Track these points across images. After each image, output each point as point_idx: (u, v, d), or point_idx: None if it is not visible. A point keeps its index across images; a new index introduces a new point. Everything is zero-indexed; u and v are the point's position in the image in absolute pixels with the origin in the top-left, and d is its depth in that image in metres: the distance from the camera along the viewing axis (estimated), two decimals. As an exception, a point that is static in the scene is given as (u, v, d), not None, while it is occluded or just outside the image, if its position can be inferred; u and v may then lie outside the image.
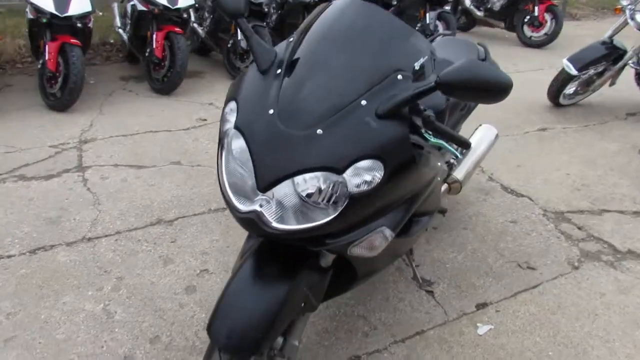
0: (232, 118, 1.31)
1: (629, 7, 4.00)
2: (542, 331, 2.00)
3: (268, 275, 1.36)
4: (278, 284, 1.34)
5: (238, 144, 1.26)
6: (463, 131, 2.90)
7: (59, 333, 1.91)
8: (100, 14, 4.57)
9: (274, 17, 5.62)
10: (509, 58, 6.17)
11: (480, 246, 2.52)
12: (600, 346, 1.94)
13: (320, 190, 1.20)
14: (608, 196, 3.06)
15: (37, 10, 4.01)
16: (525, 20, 6.73)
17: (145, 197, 2.85)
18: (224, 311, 1.30)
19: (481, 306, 2.13)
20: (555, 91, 4.32)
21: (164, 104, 4.36)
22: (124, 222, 2.62)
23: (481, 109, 4.42)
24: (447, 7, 6.22)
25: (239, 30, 4.84)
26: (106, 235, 2.50)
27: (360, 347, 1.90)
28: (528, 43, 6.77)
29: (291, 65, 1.32)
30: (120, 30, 5.11)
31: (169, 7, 4.36)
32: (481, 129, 2.74)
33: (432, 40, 2.59)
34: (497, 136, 2.73)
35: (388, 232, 1.36)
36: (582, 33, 7.39)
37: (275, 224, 1.21)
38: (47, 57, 4.01)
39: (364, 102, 1.23)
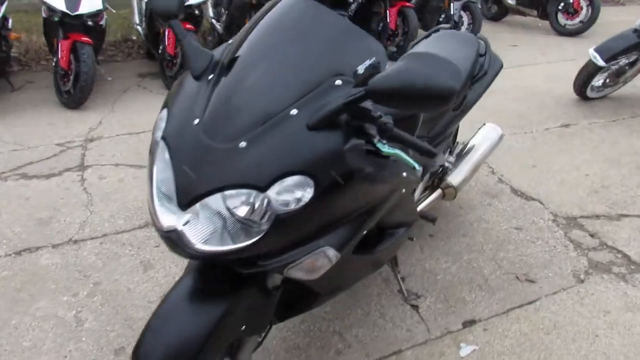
0: (162, 127, 1.22)
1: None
2: (532, 354, 1.83)
3: (204, 294, 1.27)
4: (214, 304, 1.25)
5: (164, 156, 1.17)
6: (466, 129, 2.73)
7: (26, 340, 1.89)
8: (114, 11, 4.59)
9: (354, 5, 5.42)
10: (539, 48, 5.85)
11: (478, 256, 2.35)
12: (597, 373, 1.76)
13: (245, 210, 1.09)
14: (629, 199, 2.82)
15: (50, 8, 4.05)
16: (560, 7, 6.37)
17: (138, 199, 2.82)
18: (152, 332, 1.22)
19: (468, 323, 1.98)
20: (581, 83, 4.03)
21: (174, 101, 4.34)
22: (112, 224, 2.59)
23: (499, 102, 4.19)
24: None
25: None
26: (92, 238, 2.48)
27: (330, 366, 1.80)
28: (562, 31, 6.40)
29: (225, 71, 1.22)
30: (139, 27, 5.13)
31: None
32: (484, 129, 2.56)
33: (429, 34, 2.41)
34: (501, 137, 2.55)
35: (332, 253, 1.24)
36: (624, 19, 6.90)
37: (197, 245, 1.11)
38: (59, 55, 4.05)
39: (294, 112, 1.12)
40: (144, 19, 4.97)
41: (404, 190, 1.47)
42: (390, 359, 1.82)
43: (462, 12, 5.73)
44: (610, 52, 3.74)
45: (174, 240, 1.12)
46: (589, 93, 4.10)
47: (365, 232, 1.38)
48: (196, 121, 1.15)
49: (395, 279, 2.12)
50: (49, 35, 4.40)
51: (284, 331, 1.93)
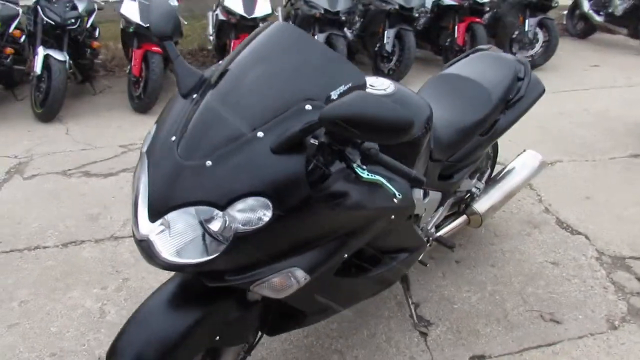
0: (148, 141, 1.30)
1: None
2: (539, 400, 1.72)
3: (181, 302, 1.33)
4: (188, 311, 1.30)
5: (144, 169, 1.25)
6: (507, 154, 2.61)
7: (54, 326, 2.06)
8: (185, 23, 4.88)
9: (357, 25, 5.56)
10: (623, 69, 5.44)
11: (503, 288, 2.24)
12: None
13: (206, 226, 1.14)
14: (693, 243, 2.55)
15: (127, 20, 4.39)
16: (652, 26, 5.87)
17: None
18: (126, 334, 1.29)
19: (476, 359, 1.88)
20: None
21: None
22: (151, 224, 2.75)
23: (563, 126, 3.93)
24: (550, 13, 5.63)
25: (385, 34, 4.91)
26: (131, 236, 2.64)
27: (324, 385, 1.79)
28: (653, 52, 5.89)
29: (208, 91, 1.27)
30: (211, 37, 5.41)
31: (246, 17, 4.51)
32: (523, 155, 2.45)
33: (467, 55, 2.34)
34: (542, 164, 2.41)
35: (300, 274, 1.25)
36: None
37: (163, 256, 1.17)
38: (132, 63, 4.37)
39: (260, 134, 1.15)
40: (213, 30, 5.25)
41: (392, 217, 1.44)
42: (386, 385, 1.79)
43: (538, 29, 5.46)
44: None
45: (145, 249, 1.19)
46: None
47: (345, 256, 1.38)
48: (173, 138, 1.21)
49: (407, 303, 2.07)
50: (126, 45, 4.77)
51: (285, 344, 1.95)
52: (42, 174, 3.35)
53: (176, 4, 4.57)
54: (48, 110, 4.16)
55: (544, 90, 2.27)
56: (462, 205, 2.28)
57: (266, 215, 1.12)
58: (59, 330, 2.04)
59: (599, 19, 6.52)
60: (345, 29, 5.23)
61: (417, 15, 5.10)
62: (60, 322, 2.08)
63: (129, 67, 4.49)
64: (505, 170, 2.39)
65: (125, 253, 2.51)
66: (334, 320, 2.05)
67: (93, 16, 4.69)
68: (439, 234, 2.14)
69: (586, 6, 6.62)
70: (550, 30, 5.37)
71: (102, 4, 4.81)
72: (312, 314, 1.56)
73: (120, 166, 3.45)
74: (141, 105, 4.40)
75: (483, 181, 2.31)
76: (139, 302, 2.18)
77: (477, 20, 5.24)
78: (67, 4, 4.37)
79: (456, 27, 5.20)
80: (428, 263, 2.02)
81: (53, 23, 4.21)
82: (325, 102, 1.18)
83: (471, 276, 2.31)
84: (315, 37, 4.81)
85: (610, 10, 6.38)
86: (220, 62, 1.37)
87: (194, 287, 1.35)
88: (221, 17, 4.78)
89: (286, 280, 1.25)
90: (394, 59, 5.00)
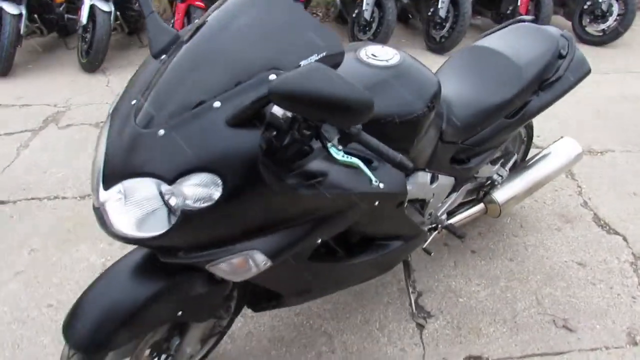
0: (115, 102, 1.23)
1: None
2: (532, 413, 1.58)
3: (146, 271, 1.28)
4: (150, 282, 1.25)
5: (105, 132, 1.18)
6: (543, 136, 2.38)
7: (57, 277, 2.11)
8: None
9: None
10: None
11: (517, 286, 2.07)
12: None
13: (154, 200, 1.07)
14: None
15: None
16: None
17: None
18: (87, 299, 1.26)
19: (471, 359, 1.76)
20: None
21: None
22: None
23: (623, 112, 3.55)
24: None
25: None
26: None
27: (306, 367, 1.73)
28: None
29: (176, 53, 1.18)
30: None
31: None
32: (559, 143, 2.22)
33: (506, 26, 2.11)
34: (578, 155, 2.18)
35: (260, 258, 1.17)
36: None
37: (114, 226, 1.11)
38: (175, 17, 4.34)
39: (217, 104, 1.04)
40: None
41: (376, 204, 1.32)
42: (368, 376, 1.70)
43: (614, 1, 4.93)
44: None
45: (99, 217, 1.14)
46: None
47: (319, 241, 1.28)
48: (133, 102, 1.14)
49: (407, 292, 1.96)
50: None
51: (275, 320, 1.90)
52: (75, 124, 3.42)
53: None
54: (91, 60, 4.23)
55: (589, 71, 2.02)
56: (482, 192, 2.10)
57: (216, 193, 1.03)
58: (60, 282, 2.09)
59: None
60: None
61: None
62: (62, 274, 2.13)
63: (172, 21, 4.46)
64: (536, 158, 2.17)
65: (138, 210, 2.52)
66: (330, 300, 1.98)
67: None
68: (451, 221, 1.99)
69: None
70: (626, 1, 4.83)
71: (152, -45, 4.77)
72: (289, 296, 1.49)
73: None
74: None
75: (507, 168, 2.11)
76: (140, 261, 2.21)
77: (545, -13, 4.79)
78: (115, -46, 4.36)
79: (520, -5, 4.79)
80: (433, 252, 1.89)
81: (100, -27, 4.22)
82: None
83: (485, 269, 2.15)
84: None
85: None
86: (197, 21, 1.27)
87: (158, 259, 1.30)
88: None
89: (244, 263, 1.17)
90: (447, 25, 4.68)
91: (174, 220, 1.07)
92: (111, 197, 1.11)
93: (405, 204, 1.60)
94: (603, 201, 2.60)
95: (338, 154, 1.15)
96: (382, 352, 1.79)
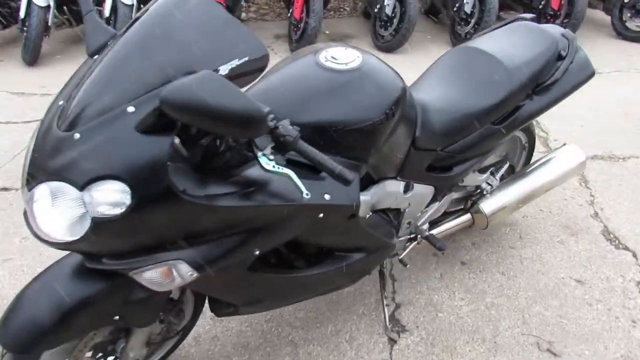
0: (51, 100, 1.21)
1: None
2: None
3: (85, 272, 1.26)
4: (88, 283, 1.23)
5: (36, 131, 1.16)
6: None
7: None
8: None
9: None
10: None
11: (505, 302, 1.94)
12: None
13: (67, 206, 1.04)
14: None
15: None
16: None
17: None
18: (27, 295, 1.25)
19: (440, 380, 1.66)
20: None
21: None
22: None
23: (625, 111, 3.27)
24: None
25: None
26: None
27: (266, 377, 1.68)
28: None
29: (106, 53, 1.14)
30: None
31: None
32: (560, 151, 2.06)
33: (505, 24, 1.97)
34: (582, 164, 2.02)
35: (184, 269, 1.13)
36: None
37: (37, 228, 1.09)
38: (294, 7, 4.46)
39: (131, 109, 1.00)
40: None
41: (321, 215, 1.25)
42: (328, 391, 1.64)
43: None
44: None
45: (25, 218, 1.12)
46: None
47: (257, 252, 1.22)
48: (60, 102, 1.11)
49: (381, 304, 1.87)
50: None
51: (244, 325, 1.86)
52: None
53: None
54: (30, 54, 4.31)
55: (592, 74, 1.86)
56: (470, 202, 1.98)
57: (125, 201, 0.99)
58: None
59: None
60: None
61: None
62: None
63: (290, 11, 4.56)
64: (533, 166, 2.02)
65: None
66: (303, 307, 1.92)
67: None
68: (434, 231, 1.88)
69: None
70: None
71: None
72: (240, 305, 1.44)
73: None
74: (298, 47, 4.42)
75: (498, 176, 1.97)
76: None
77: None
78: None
79: (553, -11, 4.52)
80: (408, 263, 1.79)
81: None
82: None
83: (472, 282, 2.03)
84: None
85: None
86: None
87: None
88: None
89: (169, 272, 1.13)
90: (472, 21, 4.47)
91: (84, 228, 1.04)
92: (33, 198, 1.10)
93: (369, 214, 1.52)
94: (617, 212, 2.41)
95: (269, 164, 1.09)
96: (348, 365, 1.72)
